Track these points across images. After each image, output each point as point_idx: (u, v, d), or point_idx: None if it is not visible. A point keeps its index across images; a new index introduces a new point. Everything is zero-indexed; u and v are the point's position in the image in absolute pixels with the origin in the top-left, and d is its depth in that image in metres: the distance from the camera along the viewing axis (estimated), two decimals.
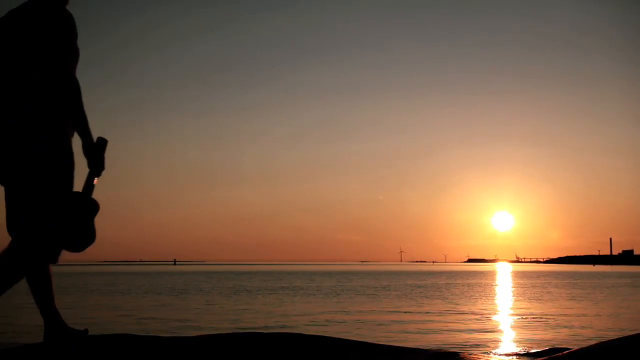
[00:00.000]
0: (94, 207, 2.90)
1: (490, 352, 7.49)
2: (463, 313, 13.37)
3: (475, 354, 3.20)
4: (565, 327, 10.73)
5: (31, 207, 2.75)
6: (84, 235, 2.86)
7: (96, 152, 2.89)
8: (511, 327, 10.76)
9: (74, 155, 2.91)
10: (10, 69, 2.73)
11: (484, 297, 19.37)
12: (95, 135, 2.95)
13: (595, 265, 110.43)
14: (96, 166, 2.90)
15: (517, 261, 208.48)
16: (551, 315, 12.98)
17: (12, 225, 2.82)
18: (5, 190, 2.86)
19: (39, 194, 2.74)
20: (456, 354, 3.11)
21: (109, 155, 3.02)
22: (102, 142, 2.93)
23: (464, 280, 35.17)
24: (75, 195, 2.87)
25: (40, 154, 2.75)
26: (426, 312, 13.51)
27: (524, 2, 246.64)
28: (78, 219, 2.82)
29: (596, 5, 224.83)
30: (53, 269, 3.10)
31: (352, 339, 3.53)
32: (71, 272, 64.31)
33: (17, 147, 2.72)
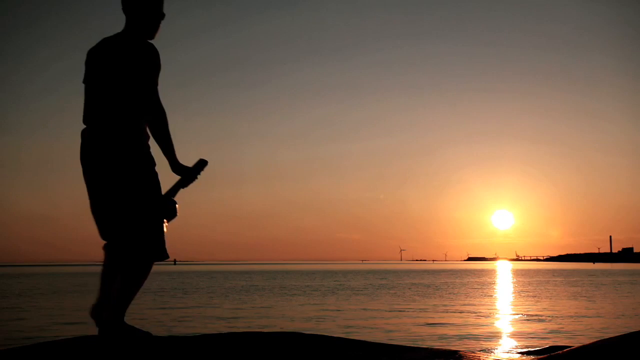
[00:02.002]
0: (173, 210, 3.11)
1: (490, 350, 7.49)
2: (463, 311, 13.38)
3: (475, 352, 3.21)
4: (565, 325, 10.74)
5: (133, 210, 3.00)
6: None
7: (194, 169, 3.17)
8: (511, 325, 10.77)
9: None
10: (106, 90, 3.01)
11: (484, 296, 19.39)
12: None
13: (595, 263, 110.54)
14: (187, 180, 3.17)
15: (517, 259, 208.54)
16: (551, 313, 12.99)
17: (112, 230, 3.05)
18: (97, 197, 3.04)
19: (137, 196, 3.01)
20: (456, 352, 3.12)
21: None
22: (203, 163, 3.20)
23: (464, 279, 35.20)
24: (161, 198, 3.10)
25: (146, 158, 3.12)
26: (426, 311, 13.52)
27: (524, 0, 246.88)
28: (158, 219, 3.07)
29: (596, 3, 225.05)
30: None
31: (352, 337, 3.53)
32: (71, 272, 64.34)
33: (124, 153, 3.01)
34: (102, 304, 3.12)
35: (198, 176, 3.18)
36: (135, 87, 2.99)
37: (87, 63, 3.11)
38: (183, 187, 3.16)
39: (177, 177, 3.17)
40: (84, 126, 3.11)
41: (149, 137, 3.13)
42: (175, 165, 3.15)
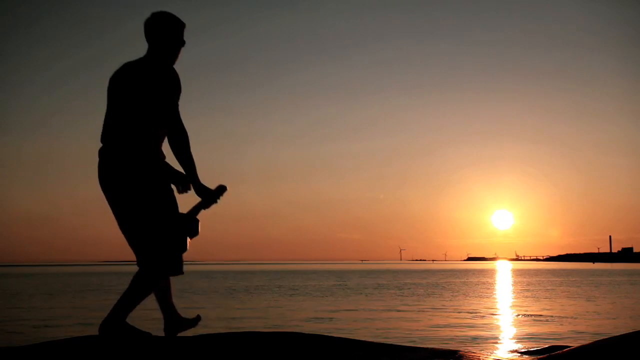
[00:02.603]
0: (195, 228, 3.21)
1: (490, 350, 7.50)
2: (463, 311, 13.38)
3: (475, 352, 3.21)
4: (565, 325, 10.74)
5: (148, 227, 3.10)
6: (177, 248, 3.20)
7: (214, 194, 3.23)
8: (511, 325, 10.77)
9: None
10: (126, 110, 3.09)
11: (483, 296, 19.39)
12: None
13: (595, 263, 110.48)
14: (207, 203, 3.24)
15: (517, 259, 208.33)
16: (551, 313, 12.99)
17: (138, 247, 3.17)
18: (117, 215, 3.16)
19: (153, 213, 3.10)
20: (456, 352, 3.12)
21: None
22: (223, 189, 3.26)
23: (463, 279, 35.19)
24: (181, 217, 3.18)
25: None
26: (426, 311, 13.52)
27: (523, 1, 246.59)
28: (177, 236, 3.17)
29: (596, 3, 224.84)
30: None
31: (351, 337, 3.53)
32: (71, 272, 64.32)
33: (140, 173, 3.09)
34: (169, 321, 3.43)
35: (218, 200, 3.25)
36: (154, 108, 3.06)
37: (110, 88, 3.19)
38: (204, 209, 3.24)
39: (195, 195, 3.24)
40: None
41: (164, 157, 3.21)
42: (197, 186, 3.21)
